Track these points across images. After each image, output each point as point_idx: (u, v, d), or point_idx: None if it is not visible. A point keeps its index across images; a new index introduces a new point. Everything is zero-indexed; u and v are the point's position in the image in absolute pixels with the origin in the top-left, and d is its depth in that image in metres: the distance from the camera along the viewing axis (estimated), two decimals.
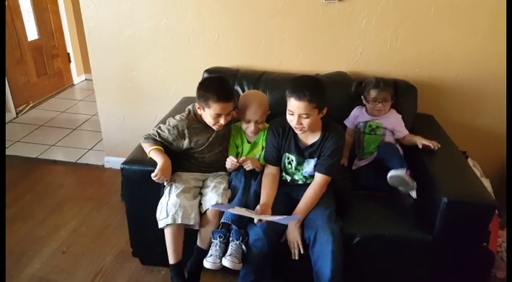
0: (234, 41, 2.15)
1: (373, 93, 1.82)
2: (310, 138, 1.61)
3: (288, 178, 1.69)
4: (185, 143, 1.65)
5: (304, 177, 1.66)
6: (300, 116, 1.49)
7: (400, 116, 1.87)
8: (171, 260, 1.58)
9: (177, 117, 1.68)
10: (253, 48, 2.14)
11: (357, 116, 1.92)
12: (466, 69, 2.05)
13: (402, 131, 1.85)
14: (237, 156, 1.72)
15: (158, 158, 1.57)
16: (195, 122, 1.67)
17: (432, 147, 1.70)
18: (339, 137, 1.59)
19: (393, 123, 1.86)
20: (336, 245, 1.42)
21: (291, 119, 1.53)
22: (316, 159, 1.61)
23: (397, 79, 1.97)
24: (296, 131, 1.57)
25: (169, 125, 1.65)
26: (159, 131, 1.65)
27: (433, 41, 2.00)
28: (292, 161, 1.64)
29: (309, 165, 1.62)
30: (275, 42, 2.11)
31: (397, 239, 1.53)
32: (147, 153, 1.61)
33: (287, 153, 1.64)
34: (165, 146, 1.65)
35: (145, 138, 1.65)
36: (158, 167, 1.54)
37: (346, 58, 2.09)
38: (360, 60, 2.08)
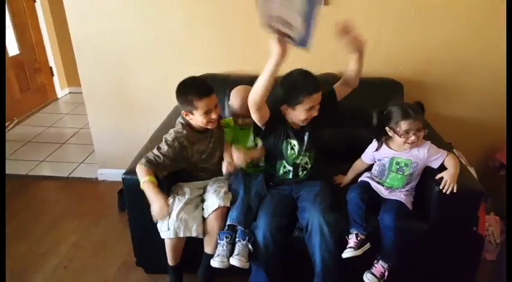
0: (224, 47, 2.19)
1: (404, 125, 1.53)
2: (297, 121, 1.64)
3: (291, 173, 1.69)
4: (187, 153, 1.64)
5: (306, 151, 1.67)
6: (314, 107, 1.55)
7: (429, 142, 1.62)
8: (170, 262, 1.64)
9: (172, 131, 1.64)
10: (243, 53, 2.19)
11: (378, 151, 1.67)
12: (447, 63, 2.15)
13: (439, 156, 1.60)
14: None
15: (152, 196, 1.48)
16: (192, 132, 1.66)
17: (444, 190, 1.52)
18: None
19: (425, 156, 1.60)
20: (328, 235, 1.48)
21: (310, 114, 1.55)
22: (308, 133, 1.65)
23: (383, 77, 2.07)
24: (304, 124, 1.60)
25: (167, 140, 1.61)
26: (158, 152, 1.57)
27: (414, 39, 2.10)
28: (295, 146, 1.65)
29: (305, 141, 1.66)
30: (265, 46, 2.15)
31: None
32: (141, 183, 1.51)
33: (288, 139, 1.65)
34: (162, 171, 1.57)
35: (140, 163, 1.55)
36: (153, 210, 1.48)
37: (334, 59, 2.14)
38: (347, 61, 2.14)
